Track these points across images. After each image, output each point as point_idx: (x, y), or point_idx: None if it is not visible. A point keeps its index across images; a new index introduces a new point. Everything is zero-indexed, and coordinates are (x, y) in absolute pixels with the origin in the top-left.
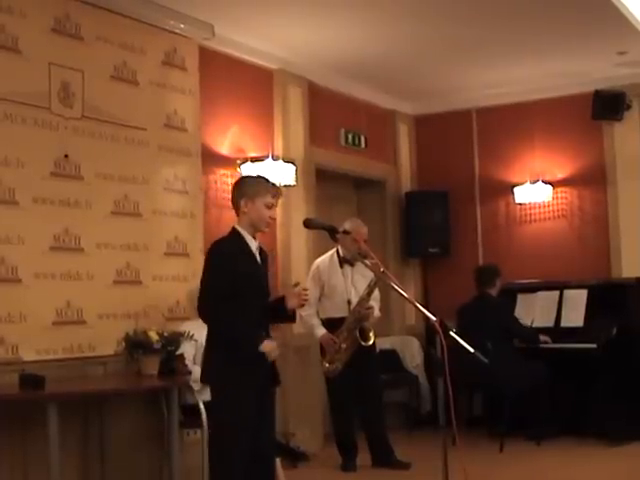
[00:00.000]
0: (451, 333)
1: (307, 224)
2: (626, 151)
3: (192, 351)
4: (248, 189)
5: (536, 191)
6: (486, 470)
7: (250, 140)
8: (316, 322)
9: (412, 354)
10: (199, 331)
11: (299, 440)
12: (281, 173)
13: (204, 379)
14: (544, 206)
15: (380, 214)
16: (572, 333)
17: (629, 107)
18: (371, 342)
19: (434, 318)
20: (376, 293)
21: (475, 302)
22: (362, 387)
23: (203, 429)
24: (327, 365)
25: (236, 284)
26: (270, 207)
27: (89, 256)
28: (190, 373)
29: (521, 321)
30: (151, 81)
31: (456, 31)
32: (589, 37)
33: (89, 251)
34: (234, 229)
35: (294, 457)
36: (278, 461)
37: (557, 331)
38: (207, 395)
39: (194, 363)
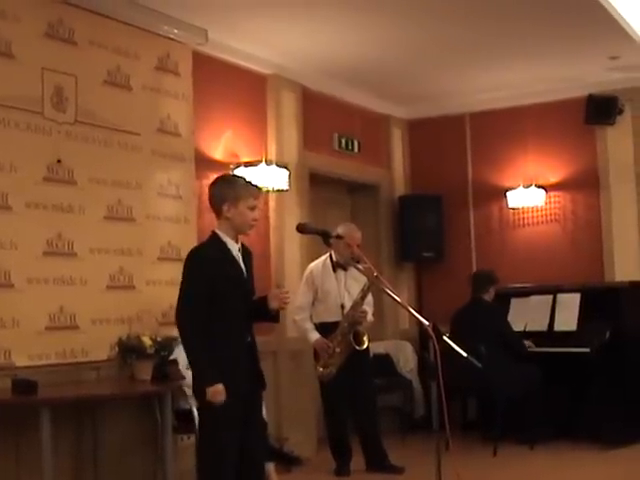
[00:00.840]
0: (444, 338)
1: (300, 229)
2: (619, 155)
3: (185, 356)
4: (229, 193)
5: (529, 195)
6: (480, 474)
7: (243, 145)
8: (310, 326)
9: (406, 358)
10: None
11: (293, 444)
12: (275, 178)
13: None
14: (537, 210)
15: (374, 218)
16: (565, 337)
17: (621, 111)
18: (365, 346)
19: (427, 323)
20: (369, 297)
21: (469, 307)
22: (356, 391)
23: (196, 434)
24: (321, 369)
25: (216, 290)
26: (253, 209)
27: (82, 261)
28: (183, 378)
29: (514, 325)
30: (144, 86)
31: (450, 35)
32: (582, 42)
33: (82, 256)
34: (214, 233)
35: (288, 461)
36: (272, 466)
37: (550, 335)
38: None
39: (187, 368)
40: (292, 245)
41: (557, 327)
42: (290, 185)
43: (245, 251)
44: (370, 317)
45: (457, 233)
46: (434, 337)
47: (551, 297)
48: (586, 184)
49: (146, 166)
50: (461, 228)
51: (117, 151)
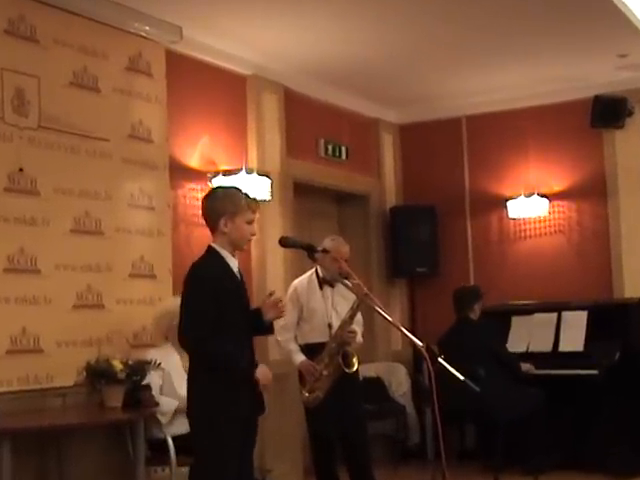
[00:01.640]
0: (439, 359)
1: (283, 243)
2: (628, 161)
3: (159, 381)
4: (226, 206)
5: (531, 205)
6: None
7: (222, 152)
8: (294, 348)
9: (398, 382)
10: (167, 359)
11: (277, 476)
12: (256, 187)
13: (188, 413)
14: (540, 221)
15: (363, 231)
16: (571, 358)
17: (631, 113)
18: (354, 369)
19: (421, 343)
20: (359, 316)
21: (455, 328)
22: (345, 418)
23: (172, 466)
24: (307, 394)
25: (222, 307)
26: (251, 223)
27: (47, 278)
28: (157, 405)
29: (516, 346)
30: (114, 88)
31: (444, 33)
32: (588, 38)
33: (47, 273)
34: (211, 248)
35: None
36: None
37: (555, 356)
38: (176, 429)
39: (161, 394)
40: (275, 260)
41: (562, 347)
42: (272, 195)
43: (239, 271)
44: (360, 338)
45: (453, 246)
46: (428, 359)
47: (556, 315)
48: (593, 192)
49: (116, 175)
50: (457, 241)
51: (84, 159)
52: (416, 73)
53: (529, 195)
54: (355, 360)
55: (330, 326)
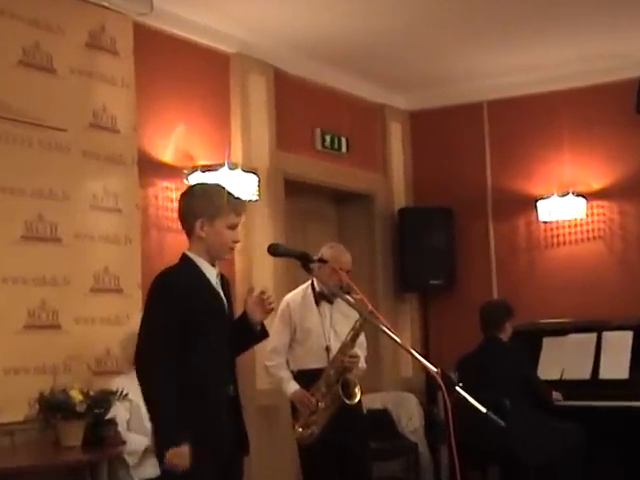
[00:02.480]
0: (457, 388)
1: (273, 251)
2: None
3: (126, 415)
4: (204, 207)
5: (565, 206)
6: None
7: (200, 144)
8: (286, 375)
9: (409, 415)
10: (136, 389)
11: None
12: (240, 185)
13: (156, 453)
14: (576, 225)
15: (367, 237)
16: (614, 387)
17: None
18: (357, 400)
19: (435, 369)
20: (362, 338)
21: (481, 350)
22: (345, 458)
23: None
24: (301, 430)
25: (191, 327)
26: (233, 228)
27: None
28: (124, 443)
29: (547, 372)
30: (72, 68)
31: (461, 4)
32: (632, 8)
33: None
34: (185, 256)
35: None
36: None
37: (595, 385)
38: (146, 471)
39: (129, 430)
40: (262, 271)
41: (603, 374)
42: (260, 195)
43: (223, 279)
44: (363, 363)
45: (473, 255)
46: (444, 387)
47: (595, 336)
48: (638, 191)
49: (75, 171)
50: (478, 248)
51: (38, 152)
52: (429, 50)
53: (563, 194)
54: (357, 390)
55: (328, 349)
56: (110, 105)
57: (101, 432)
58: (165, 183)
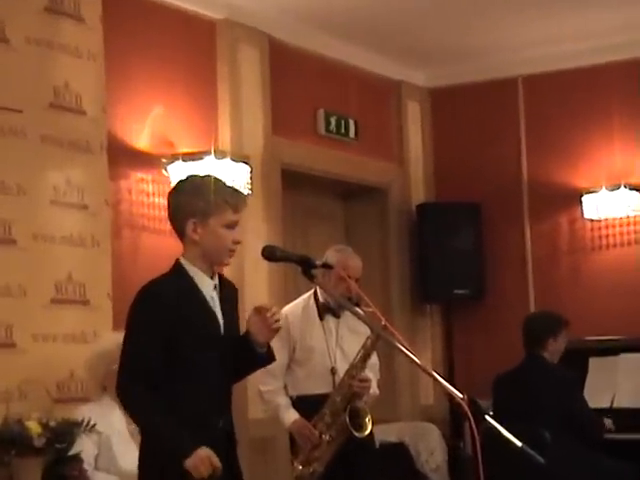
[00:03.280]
0: (487, 418)
1: (268, 255)
2: None
3: (94, 450)
4: (195, 205)
5: (616, 201)
6: None
7: (182, 128)
8: (283, 402)
9: (430, 450)
10: (105, 418)
11: None
12: (229, 177)
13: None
14: (628, 223)
15: (379, 238)
16: None
17: None
18: (367, 432)
19: (461, 395)
20: (374, 359)
21: (521, 370)
22: None
23: None
24: (300, 467)
25: (177, 350)
26: (232, 227)
27: None
28: None
29: (595, 399)
30: (28, 38)
31: None
32: None
33: None
34: (177, 264)
35: None
36: None
37: None
38: None
39: (96, 468)
40: (256, 278)
41: None
42: (253, 189)
43: (226, 288)
44: (375, 388)
45: (506, 259)
46: (472, 417)
47: None
48: None
49: (32, 160)
50: (511, 251)
51: None
52: (453, 18)
53: (613, 187)
54: (368, 420)
55: (334, 371)
56: (74, 81)
57: (63, 471)
58: (140, 174)
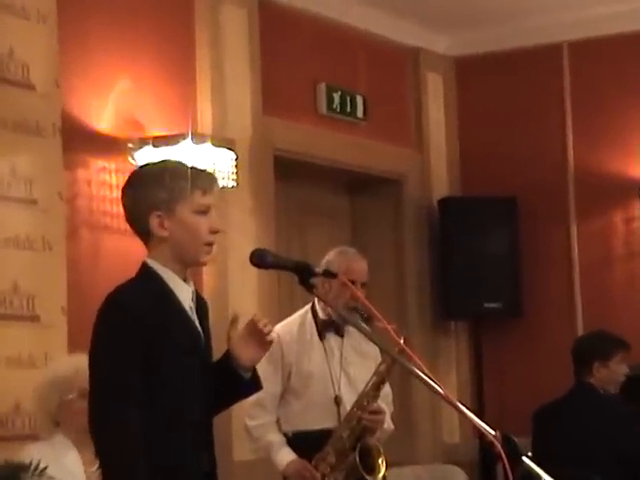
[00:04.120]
0: (525, 460)
1: (259, 260)
2: None
3: None
4: (155, 194)
5: None
6: None
7: (152, 107)
8: (276, 439)
9: None
10: (58, 460)
11: None
12: (210, 165)
13: None
14: None
15: (393, 240)
16: None
17: None
18: (381, 476)
19: (493, 432)
20: (387, 388)
21: (566, 402)
22: None
23: None
24: None
25: (150, 373)
26: (204, 212)
27: None
28: None
29: None
30: None
31: None
32: None
33: None
34: (145, 267)
35: None
36: None
37: None
38: None
39: None
40: (242, 290)
41: None
42: (239, 179)
43: (199, 301)
44: (389, 423)
45: (546, 265)
46: (506, 459)
47: None
48: None
49: None
50: (554, 256)
51: None
52: None
53: None
54: (382, 461)
55: (338, 401)
56: (20, 49)
57: None
58: (102, 162)
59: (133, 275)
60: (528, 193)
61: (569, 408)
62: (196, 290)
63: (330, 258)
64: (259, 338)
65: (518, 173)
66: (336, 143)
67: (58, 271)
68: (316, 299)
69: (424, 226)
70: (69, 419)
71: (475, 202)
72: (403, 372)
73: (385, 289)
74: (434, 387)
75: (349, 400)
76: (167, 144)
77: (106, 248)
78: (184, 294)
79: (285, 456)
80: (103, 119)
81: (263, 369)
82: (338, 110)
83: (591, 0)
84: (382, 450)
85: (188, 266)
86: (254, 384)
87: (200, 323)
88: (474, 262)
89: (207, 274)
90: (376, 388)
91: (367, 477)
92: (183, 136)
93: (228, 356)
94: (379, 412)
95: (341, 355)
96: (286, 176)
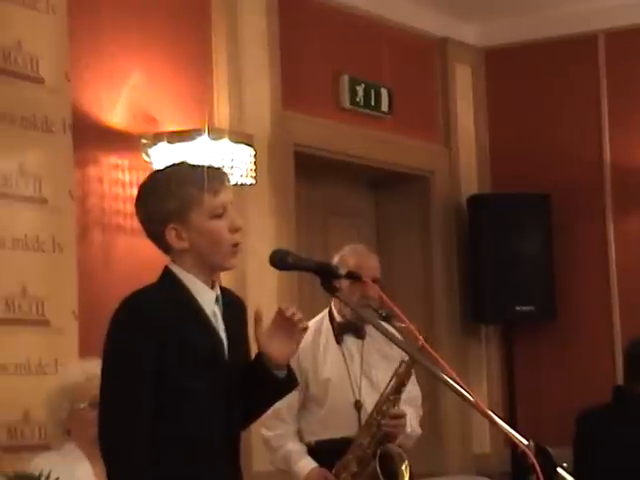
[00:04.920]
0: (560, 471)
1: (279, 261)
2: None
3: None
4: (167, 206)
5: None
6: None
7: (167, 100)
8: (295, 447)
9: None
10: (69, 470)
11: None
12: (228, 162)
13: None
14: None
15: (421, 240)
16: None
17: None
18: None
19: (526, 442)
20: (416, 391)
21: (611, 408)
22: None
23: None
24: None
25: (166, 384)
26: (220, 214)
27: None
28: None
29: None
30: None
31: None
32: None
33: None
34: (168, 272)
35: None
36: None
37: None
38: None
39: None
40: (261, 291)
41: None
42: (258, 177)
43: (230, 303)
44: (417, 427)
45: (582, 266)
46: (539, 470)
47: None
48: None
49: None
50: (590, 257)
51: None
52: None
53: None
54: (405, 469)
55: (358, 406)
56: (29, 41)
57: None
58: (114, 159)
59: (146, 278)
60: (562, 190)
61: (620, 414)
62: (229, 290)
63: (340, 257)
64: (289, 328)
65: (551, 169)
66: (360, 138)
67: (69, 273)
68: (332, 303)
69: (452, 225)
70: (81, 429)
71: (506, 199)
72: (430, 378)
73: (412, 291)
74: (462, 394)
75: (370, 404)
76: (182, 140)
77: (119, 249)
78: (207, 301)
79: (305, 465)
80: (115, 114)
81: None
82: (362, 104)
83: None
84: (405, 456)
85: (216, 272)
86: (290, 381)
87: (230, 326)
88: (505, 263)
89: (224, 276)
90: (397, 391)
91: None
92: (199, 132)
93: (260, 358)
94: (399, 417)
95: (361, 358)
96: (307, 173)
